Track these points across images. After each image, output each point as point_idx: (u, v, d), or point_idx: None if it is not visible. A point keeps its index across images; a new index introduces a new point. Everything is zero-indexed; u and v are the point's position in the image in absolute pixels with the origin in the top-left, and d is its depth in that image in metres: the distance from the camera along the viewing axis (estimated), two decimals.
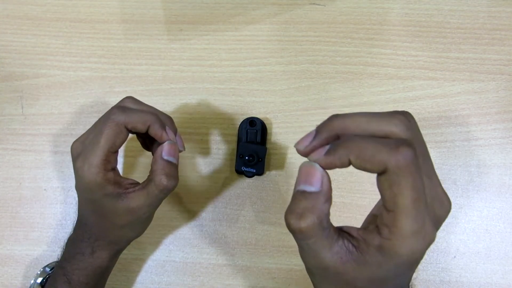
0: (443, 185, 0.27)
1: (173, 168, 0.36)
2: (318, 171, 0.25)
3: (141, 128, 0.36)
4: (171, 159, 0.36)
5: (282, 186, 0.50)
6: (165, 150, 0.36)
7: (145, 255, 0.50)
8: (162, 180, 0.35)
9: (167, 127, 0.37)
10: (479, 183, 0.49)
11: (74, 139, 0.38)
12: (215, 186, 0.50)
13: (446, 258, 0.48)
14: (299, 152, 0.27)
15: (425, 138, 0.53)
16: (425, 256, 0.49)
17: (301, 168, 0.26)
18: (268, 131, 0.50)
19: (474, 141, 0.50)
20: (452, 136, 0.50)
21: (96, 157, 0.35)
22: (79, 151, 0.37)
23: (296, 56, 0.52)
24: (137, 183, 0.37)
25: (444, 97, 0.51)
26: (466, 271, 0.48)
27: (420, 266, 0.48)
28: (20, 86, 0.53)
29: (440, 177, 0.28)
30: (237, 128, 0.50)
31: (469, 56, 0.51)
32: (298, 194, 0.26)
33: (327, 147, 0.25)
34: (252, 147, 0.47)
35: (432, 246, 0.50)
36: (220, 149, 0.51)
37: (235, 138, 0.51)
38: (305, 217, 0.24)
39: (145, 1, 0.54)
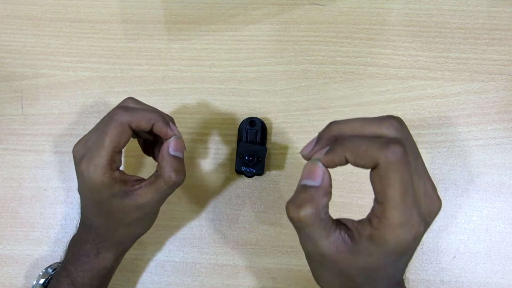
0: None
1: (181, 163, 0.37)
2: (319, 168, 0.28)
3: (145, 126, 0.36)
4: (178, 154, 0.36)
5: (282, 186, 0.50)
6: (171, 145, 0.36)
7: (145, 255, 0.50)
8: (171, 176, 0.35)
9: (170, 123, 0.37)
10: (479, 183, 0.49)
11: (74, 139, 0.38)
12: (215, 186, 0.50)
13: (446, 258, 0.48)
14: (304, 157, 0.30)
15: (425, 138, 0.53)
16: (425, 256, 0.50)
17: (305, 166, 0.29)
18: (268, 131, 0.51)
19: (474, 141, 0.50)
20: (452, 136, 0.50)
21: (101, 158, 0.35)
22: (82, 153, 0.37)
23: (296, 56, 0.52)
24: (142, 179, 0.37)
25: (444, 97, 0.51)
26: (466, 271, 0.48)
27: (420, 266, 0.48)
28: (20, 86, 0.53)
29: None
30: (237, 128, 0.50)
31: (469, 56, 0.51)
32: (300, 188, 0.28)
33: (328, 147, 0.28)
34: (252, 147, 0.47)
35: (432, 246, 0.50)
36: (220, 149, 0.51)
37: (235, 138, 0.51)
38: (304, 207, 0.27)
39: (145, 1, 0.54)
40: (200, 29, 0.53)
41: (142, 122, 0.36)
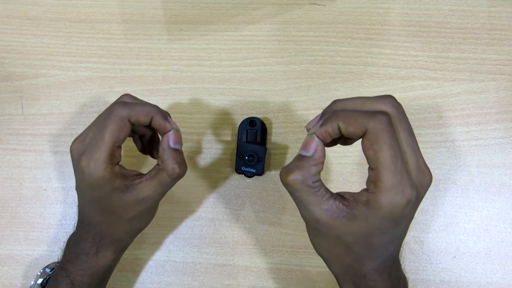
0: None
1: (182, 155, 0.37)
2: (313, 141, 0.31)
3: (144, 120, 0.36)
4: (177, 146, 0.37)
5: (282, 186, 0.50)
6: (171, 139, 0.37)
7: (145, 255, 0.50)
8: (175, 168, 0.36)
9: (168, 117, 0.38)
10: (479, 183, 0.49)
11: (74, 139, 0.38)
12: (215, 186, 0.50)
13: (446, 258, 0.48)
14: (308, 131, 0.33)
15: (425, 138, 0.53)
16: (425, 256, 0.50)
17: (304, 139, 0.32)
18: (268, 131, 0.51)
19: (474, 141, 0.50)
20: (452, 136, 0.50)
21: (102, 153, 0.35)
22: (82, 150, 0.37)
23: (296, 56, 0.52)
24: (142, 174, 0.37)
25: (444, 97, 0.51)
26: (466, 271, 0.48)
27: (420, 266, 0.48)
28: (20, 86, 0.53)
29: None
30: (237, 128, 0.50)
31: (469, 56, 0.51)
32: (295, 157, 0.32)
33: (322, 122, 0.31)
34: (252, 147, 0.47)
35: (432, 246, 0.50)
36: (220, 149, 0.51)
37: (235, 138, 0.51)
38: (292, 173, 0.30)
39: (145, 1, 0.54)
40: (200, 29, 0.53)
41: (141, 116, 0.36)
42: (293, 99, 0.51)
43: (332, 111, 0.31)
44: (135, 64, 0.53)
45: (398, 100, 0.31)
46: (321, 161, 0.31)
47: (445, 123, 0.50)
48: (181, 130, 0.51)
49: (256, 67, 0.52)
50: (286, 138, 0.51)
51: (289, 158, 0.50)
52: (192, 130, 0.51)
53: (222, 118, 0.51)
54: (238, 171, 0.48)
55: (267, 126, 0.50)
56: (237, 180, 0.51)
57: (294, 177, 0.30)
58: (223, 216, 0.50)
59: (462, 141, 0.50)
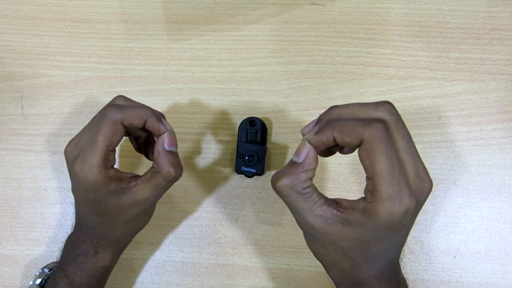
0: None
1: (177, 157, 0.37)
2: (305, 147, 0.31)
3: (138, 123, 0.36)
4: (173, 149, 0.37)
5: None
6: (166, 141, 0.36)
7: (145, 255, 0.50)
8: (170, 171, 0.36)
9: (162, 119, 0.37)
10: (479, 183, 0.49)
11: (68, 142, 0.38)
12: (215, 186, 0.50)
13: (446, 258, 0.48)
14: (303, 135, 0.32)
15: (425, 138, 0.53)
16: (425, 256, 0.50)
17: (299, 145, 0.32)
18: (268, 131, 0.51)
19: (474, 141, 0.50)
20: (452, 136, 0.50)
21: (95, 157, 0.35)
22: (76, 154, 0.37)
23: (296, 56, 0.52)
24: (137, 176, 0.37)
25: (444, 97, 0.51)
26: (466, 271, 0.48)
27: (420, 266, 0.48)
28: (20, 86, 0.53)
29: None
30: (237, 128, 0.50)
31: (469, 56, 0.51)
32: (288, 163, 0.32)
33: (317, 129, 0.31)
34: (252, 147, 0.47)
35: (432, 246, 0.50)
36: (220, 149, 0.51)
37: (235, 138, 0.51)
38: (280, 179, 0.30)
39: (145, 1, 0.54)
40: (200, 29, 0.53)
41: (135, 119, 0.36)
42: (293, 99, 0.51)
43: (328, 121, 0.31)
44: (135, 64, 0.53)
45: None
46: (311, 168, 0.31)
47: (445, 123, 0.50)
48: (181, 130, 0.51)
49: (256, 67, 0.52)
50: (286, 138, 0.51)
51: (289, 158, 0.50)
52: (192, 130, 0.51)
53: (222, 118, 0.51)
54: (238, 171, 0.48)
55: (267, 126, 0.50)
56: (237, 180, 0.51)
57: (282, 183, 0.30)
58: (223, 216, 0.50)
59: (462, 141, 0.50)
